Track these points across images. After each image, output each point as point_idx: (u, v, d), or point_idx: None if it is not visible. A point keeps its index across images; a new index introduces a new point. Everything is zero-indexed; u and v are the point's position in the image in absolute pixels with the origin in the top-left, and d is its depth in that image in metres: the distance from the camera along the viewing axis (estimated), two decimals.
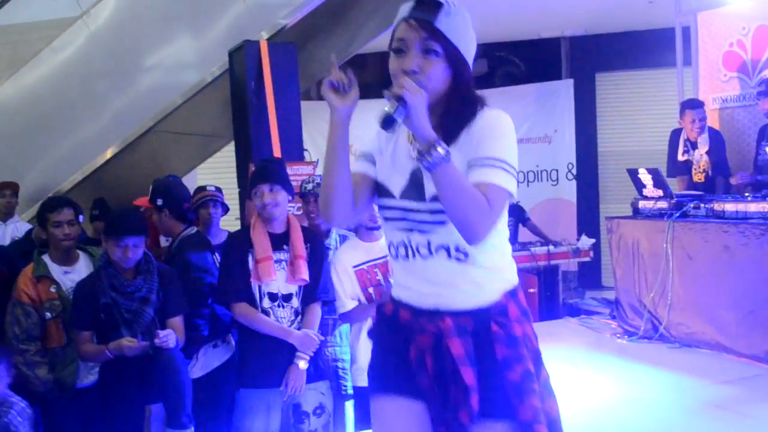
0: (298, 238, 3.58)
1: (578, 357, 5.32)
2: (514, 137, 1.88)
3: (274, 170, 3.62)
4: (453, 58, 1.83)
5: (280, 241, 3.56)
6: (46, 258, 3.83)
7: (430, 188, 1.83)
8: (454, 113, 1.87)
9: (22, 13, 7.73)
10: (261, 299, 3.52)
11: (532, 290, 6.78)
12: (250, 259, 3.53)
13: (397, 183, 1.92)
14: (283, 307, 3.54)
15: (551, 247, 7.29)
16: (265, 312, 3.51)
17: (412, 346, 1.92)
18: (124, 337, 3.45)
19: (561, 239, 7.79)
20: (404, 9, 1.85)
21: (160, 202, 4.18)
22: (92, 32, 6.38)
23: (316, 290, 3.60)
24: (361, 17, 6.48)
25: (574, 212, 10.04)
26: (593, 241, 7.62)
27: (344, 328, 3.95)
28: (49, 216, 3.82)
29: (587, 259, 7.61)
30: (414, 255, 1.90)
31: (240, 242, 3.60)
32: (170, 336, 3.45)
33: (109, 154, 6.29)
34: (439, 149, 1.68)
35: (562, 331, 6.19)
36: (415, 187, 1.89)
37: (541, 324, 6.63)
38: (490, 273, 1.91)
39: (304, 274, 3.52)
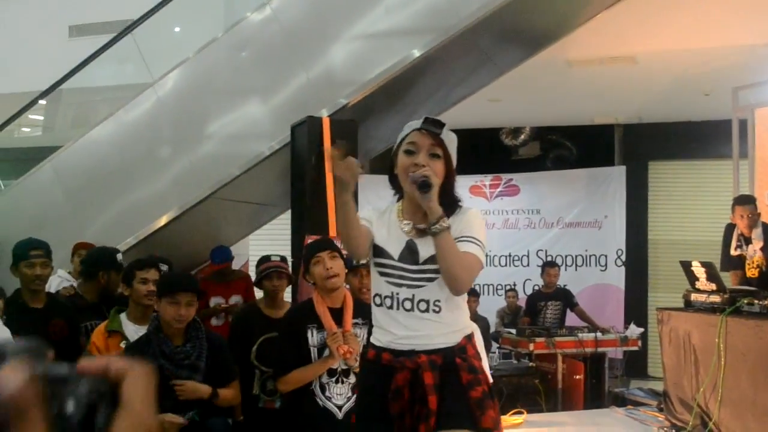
0: (350, 314, 3.63)
1: None
2: (484, 225, 2.57)
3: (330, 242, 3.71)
4: (447, 163, 2.50)
5: (337, 317, 3.60)
6: (122, 316, 3.97)
7: (423, 254, 2.48)
8: (446, 203, 2.47)
9: (94, 76, 8.05)
10: (320, 375, 3.54)
11: (577, 377, 6.66)
12: (310, 334, 3.56)
13: (394, 249, 2.53)
14: (342, 382, 3.56)
15: (599, 334, 7.18)
16: (322, 387, 3.53)
17: (392, 381, 2.43)
18: (168, 414, 3.46)
19: (608, 326, 7.67)
20: (415, 123, 2.51)
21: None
22: (160, 99, 6.60)
23: None
24: (418, 98, 6.62)
25: (621, 299, 9.88)
26: (642, 330, 7.50)
27: None
28: (137, 273, 4.01)
29: (635, 348, 7.48)
30: (398, 307, 2.48)
31: (302, 316, 3.65)
32: (186, 385, 3.51)
33: (164, 220, 6.41)
34: (444, 221, 2.38)
35: (607, 421, 6.06)
36: (409, 253, 2.50)
37: (586, 412, 6.51)
38: (454, 324, 2.52)
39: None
